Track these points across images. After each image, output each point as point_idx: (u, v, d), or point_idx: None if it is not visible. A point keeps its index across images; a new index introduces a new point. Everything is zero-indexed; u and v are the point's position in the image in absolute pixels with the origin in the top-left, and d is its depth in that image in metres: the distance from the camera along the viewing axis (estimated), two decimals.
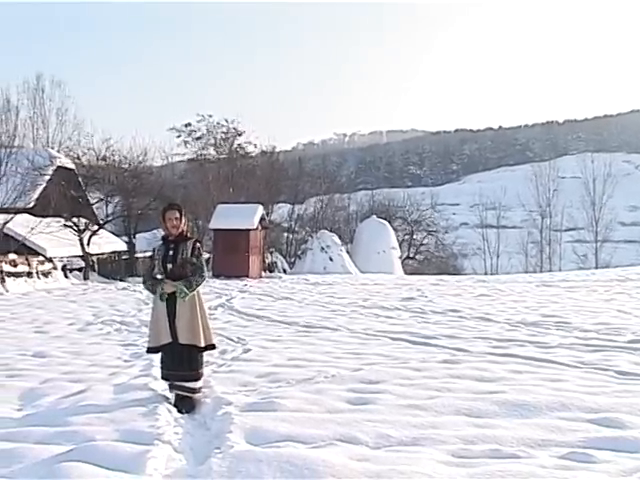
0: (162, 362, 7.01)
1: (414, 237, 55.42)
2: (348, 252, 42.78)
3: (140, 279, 28.14)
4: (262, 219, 33.73)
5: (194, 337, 6.75)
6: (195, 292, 6.78)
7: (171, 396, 6.90)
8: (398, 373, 8.10)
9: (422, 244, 55.48)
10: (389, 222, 48.52)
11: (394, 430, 5.72)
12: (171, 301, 6.77)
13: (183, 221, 6.94)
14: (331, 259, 39.24)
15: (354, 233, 48.41)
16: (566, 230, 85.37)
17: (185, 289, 6.69)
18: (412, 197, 61.27)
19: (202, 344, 6.79)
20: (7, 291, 22.05)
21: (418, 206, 59.45)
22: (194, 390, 6.82)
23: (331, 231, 43.54)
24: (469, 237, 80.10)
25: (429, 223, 56.89)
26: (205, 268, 6.91)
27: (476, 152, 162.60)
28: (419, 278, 31.57)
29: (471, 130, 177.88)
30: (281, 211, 48.55)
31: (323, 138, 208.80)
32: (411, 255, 54.53)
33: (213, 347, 7.07)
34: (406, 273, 43.85)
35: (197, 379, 6.85)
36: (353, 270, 38.91)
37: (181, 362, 6.78)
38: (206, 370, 8.08)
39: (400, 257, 47.96)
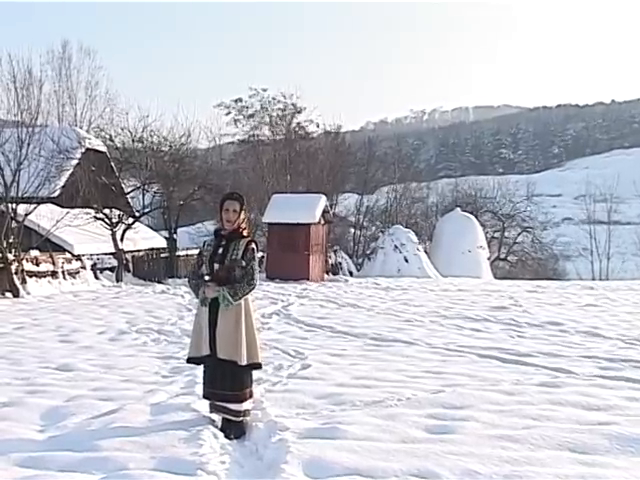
0: (203, 378, 7.08)
1: (506, 234, 54.74)
2: (426, 252, 42.50)
3: (181, 281, 28.38)
4: (325, 212, 33.75)
5: (234, 352, 6.73)
6: (241, 300, 6.78)
7: (217, 419, 6.95)
8: (486, 397, 8.02)
9: (516, 243, 54.75)
10: (476, 216, 48.00)
11: (481, 465, 5.65)
12: (214, 307, 6.80)
13: (242, 216, 6.93)
14: (406, 260, 39.01)
15: (434, 229, 48.05)
16: None
17: (229, 297, 6.68)
18: (504, 186, 60.42)
19: (243, 362, 6.74)
20: (28, 293, 22.52)
21: (511, 197, 58.61)
22: (237, 413, 6.83)
23: (406, 227, 43.27)
24: (573, 235, 78.73)
25: (524, 218, 56.09)
26: (256, 275, 6.84)
27: (583, 132, 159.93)
28: (512, 283, 31.20)
29: (577, 105, 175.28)
30: (347, 202, 48.49)
31: (398, 116, 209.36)
32: (502, 256, 53.88)
33: (258, 366, 7.02)
34: (496, 277, 43.36)
35: (240, 401, 6.84)
36: (432, 273, 38.65)
37: (222, 380, 6.80)
38: (258, 389, 8.15)
39: (489, 258, 47.43)
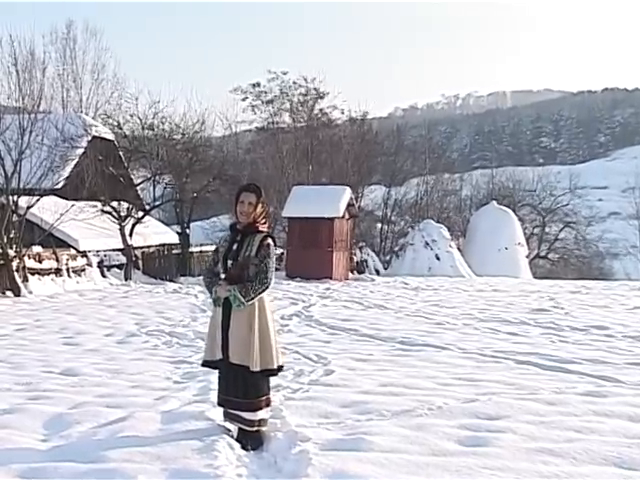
0: (218, 383, 7.08)
1: (546, 230, 54.58)
2: (459, 249, 42.47)
3: (195, 279, 28.40)
4: (350, 205, 33.75)
5: (246, 357, 6.69)
6: (255, 301, 6.74)
7: (233, 428, 6.95)
8: (525, 407, 7.98)
9: (557, 239, 54.60)
10: (513, 210, 47.91)
11: None
12: (227, 308, 6.78)
13: (258, 209, 6.87)
14: (438, 257, 39.01)
15: (468, 224, 47.98)
16: None
17: (240, 296, 6.64)
18: (544, 178, 60.27)
19: (256, 367, 6.69)
20: (30, 292, 22.64)
21: (552, 190, 58.49)
22: (251, 422, 6.78)
23: (438, 222, 43.24)
24: (621, 231, 78.41)
25: (567, 212, 55.92)
26: (270, 273, 6.76)
27: (632, 118, 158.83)
28: (553, 283, 31.07)
29: (625, 89, 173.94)
30: (374, 195, 48.53)
31: (429, 101, 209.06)
32: (542, 253, 53.74)
33: (273, 373, 6.97)
34: (535, 277, 43.22)
35: (254, 409, 6.79)
36: (466, 272, 38.59)
37: (235, 386, 6.77)
38: (277, 396, 8.15)
39: (528, 256, 47.30)
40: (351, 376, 9.94)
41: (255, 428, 6.80)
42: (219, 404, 7.06)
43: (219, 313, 6.85)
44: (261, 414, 6.85)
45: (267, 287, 6.74)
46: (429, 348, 12.60)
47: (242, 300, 6.64)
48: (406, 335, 14.06)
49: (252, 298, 6.67)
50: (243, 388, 6.75)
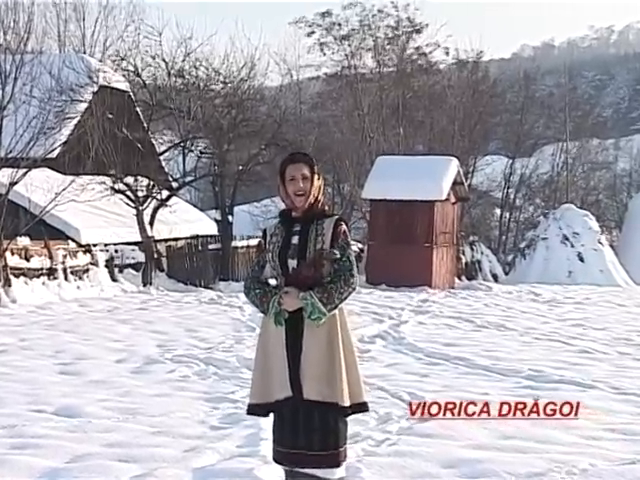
0: (275, 432, 6.96)
1: None
2: (612, 246, 42.06)
3: (239, 285, 28.43)
4: (457, 183, 33.65)
5: (333, 390, 6.52)
6: (337, 312, 6.59)
7: None
8: None
9: None
10: None
11: None
12: (293, 325, 6.59)
13: (316, 183, 6.68)
14: (581, 258, 38.71)
15: (625, 212, 47.53)
16: None
17: (321, 306, 6.41)
18: None
19: (346, 402, 6.56)
20: (13, 301, 22.78)
21: None
22: None
23: (582, 207, 42.89)
24: None
25: None
26: (355, 269, 6.56)
27: None
28: None
29: None
30: (491, 170, 48.22)
31: (570, 36, 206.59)
32: None
33: (364, 408, 6.81)
34: None
35: (338, 464, 6.63)
36: (622, 279, 38.23)
37: (309, 433, 6.59)
38: (354, 449, 8.16)
39: None
40: (457, 424, 9.91)
41: None
42: (277, 460, 6.95)
43: (280, 333, 6.62)
44: (341, 471, 6.64)
45: (354, 289, 6.52)
46: (569, 386, 12.53)
47: (323, 310, 6.41)
48: (536, 367, 14.01)
49: (336, 306, 6.46)
50: (320, 435, 6.55)
